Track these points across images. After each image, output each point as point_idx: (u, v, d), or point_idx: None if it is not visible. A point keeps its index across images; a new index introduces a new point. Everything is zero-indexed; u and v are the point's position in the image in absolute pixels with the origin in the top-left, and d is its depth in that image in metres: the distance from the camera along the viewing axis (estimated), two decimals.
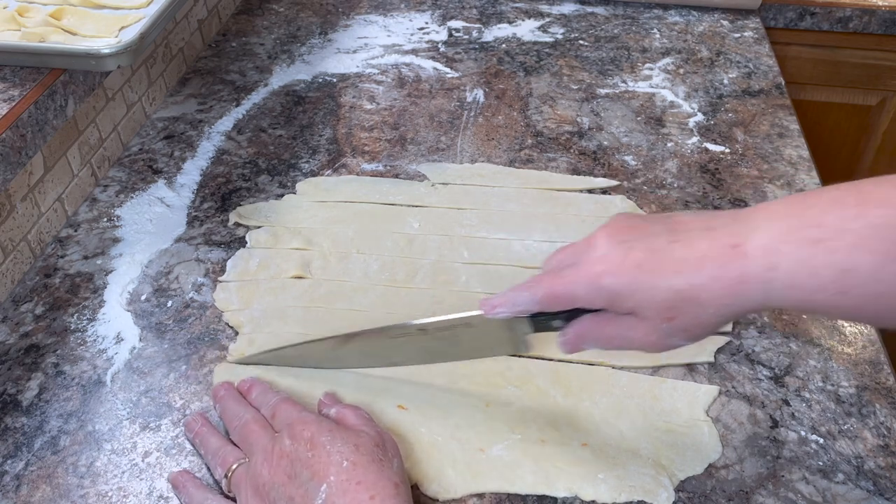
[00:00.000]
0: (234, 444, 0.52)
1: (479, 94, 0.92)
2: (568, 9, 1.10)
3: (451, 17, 1.08)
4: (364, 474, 0.45)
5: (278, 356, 0.59)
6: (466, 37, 1.04)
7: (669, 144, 0.83)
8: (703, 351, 0.60)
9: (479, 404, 0.56)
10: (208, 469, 0.52)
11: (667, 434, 0.54)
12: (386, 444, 0.49)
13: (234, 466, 0.50)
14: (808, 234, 0.39)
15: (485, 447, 0.53)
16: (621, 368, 0.59)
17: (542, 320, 0.48)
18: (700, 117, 0.88)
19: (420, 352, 0.55)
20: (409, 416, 0.55)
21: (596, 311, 0.45)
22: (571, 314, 0.46)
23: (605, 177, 0.79)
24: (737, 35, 1.04)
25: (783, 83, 0.94)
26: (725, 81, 0.94)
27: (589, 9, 1.10)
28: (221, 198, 0.77)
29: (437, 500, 0.51)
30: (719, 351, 0.60)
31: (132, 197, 0.77)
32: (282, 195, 0.77)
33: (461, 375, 0.58)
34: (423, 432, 0.54)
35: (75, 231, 0.73)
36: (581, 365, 0.59)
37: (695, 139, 0.84)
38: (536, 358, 0.60)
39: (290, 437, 0.48)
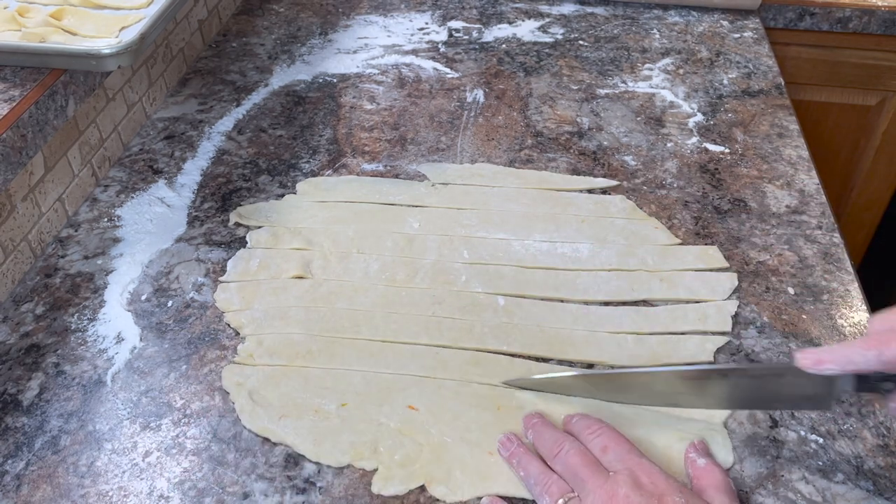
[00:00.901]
0: (553, 471, 0.50)
1: (479, 94, 0.93)
2: (568, 9, 1.10)
3: (451, 18, 1.09)
4: None
5: (551, 384, 0.57)
6: (466, 37, 1.04)
7: (669, 144, 0.84)
8: (703, 351, 0.60)
9: (490, 406, 0.56)
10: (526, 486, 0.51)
11: (679, 443, 0.53)
12: None
13: (561, 501, 0.48)
14: None
15: (494, 450, 0.53)
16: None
17: (869, 380, 0.47)
18: (700, 117, 0.88)
19: (708, 397, 0.53)
20: (420, 417, 0.55)
21: None
22: None
23: (604, 177, 0.79)
24: (736, 35, 1.04)
25: (783, 83, 0.94)
26: (725, 82, 0.94)
27: (589, 9, 1.11)
28: (222, 198, 0.77)
29: (445, 502, 0.51)
30: (719, 351, 0.60)
31: (132, 197, 0.77)
32: (282, 195, 0.77)
33: (473, 376, 0.58)
34: (433, 433, 0.54)
35: (76, 231, 0.73)
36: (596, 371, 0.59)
37: (694, 139, 0.84)
38: (547, 360, 0.60)
39: (635, 487, 0.46)
